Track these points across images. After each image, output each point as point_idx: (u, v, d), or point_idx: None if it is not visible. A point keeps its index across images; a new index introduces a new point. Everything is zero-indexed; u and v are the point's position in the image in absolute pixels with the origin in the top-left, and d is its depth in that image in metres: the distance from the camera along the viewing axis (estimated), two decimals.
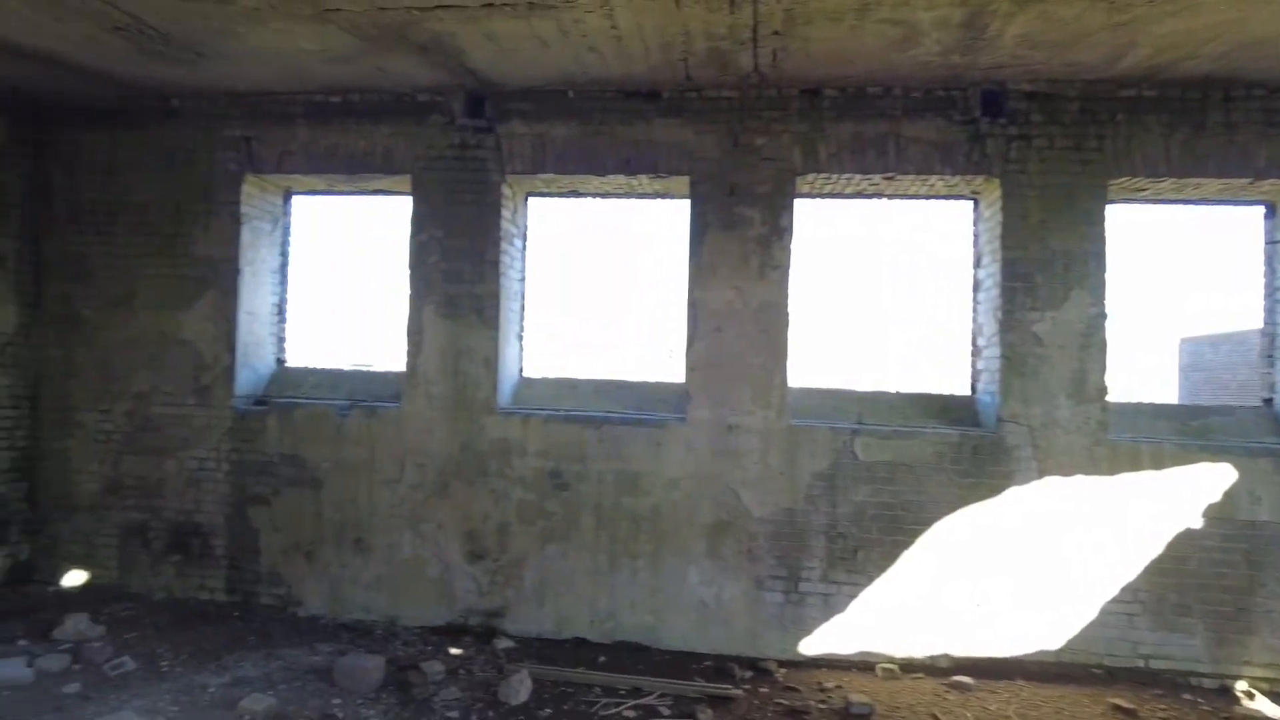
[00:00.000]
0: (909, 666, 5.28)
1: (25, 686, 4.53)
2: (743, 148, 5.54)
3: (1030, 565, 5.21)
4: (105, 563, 6.41)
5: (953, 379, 5.95)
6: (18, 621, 5.54)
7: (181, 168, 6.27)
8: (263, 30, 4.96)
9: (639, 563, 5.58)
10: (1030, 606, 5.21)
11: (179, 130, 6.29)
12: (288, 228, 6.71)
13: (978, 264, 5.76)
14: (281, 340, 6.66)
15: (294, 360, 6.72)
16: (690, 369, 5.58)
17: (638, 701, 4.65)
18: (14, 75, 6.06)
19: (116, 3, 4.68)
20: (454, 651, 5.36)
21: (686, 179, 5.65)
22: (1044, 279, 5.28)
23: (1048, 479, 5.23)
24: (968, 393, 5.80)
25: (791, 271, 5.51)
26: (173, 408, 6.25)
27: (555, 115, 5.77)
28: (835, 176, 5.56)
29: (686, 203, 5.76)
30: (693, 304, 5.57)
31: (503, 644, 5.50)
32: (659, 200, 6.29)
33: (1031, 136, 5.32)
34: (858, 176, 5.54)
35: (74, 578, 6.47)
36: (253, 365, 6.33)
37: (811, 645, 5.39)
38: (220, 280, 6.16)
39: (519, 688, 4.63)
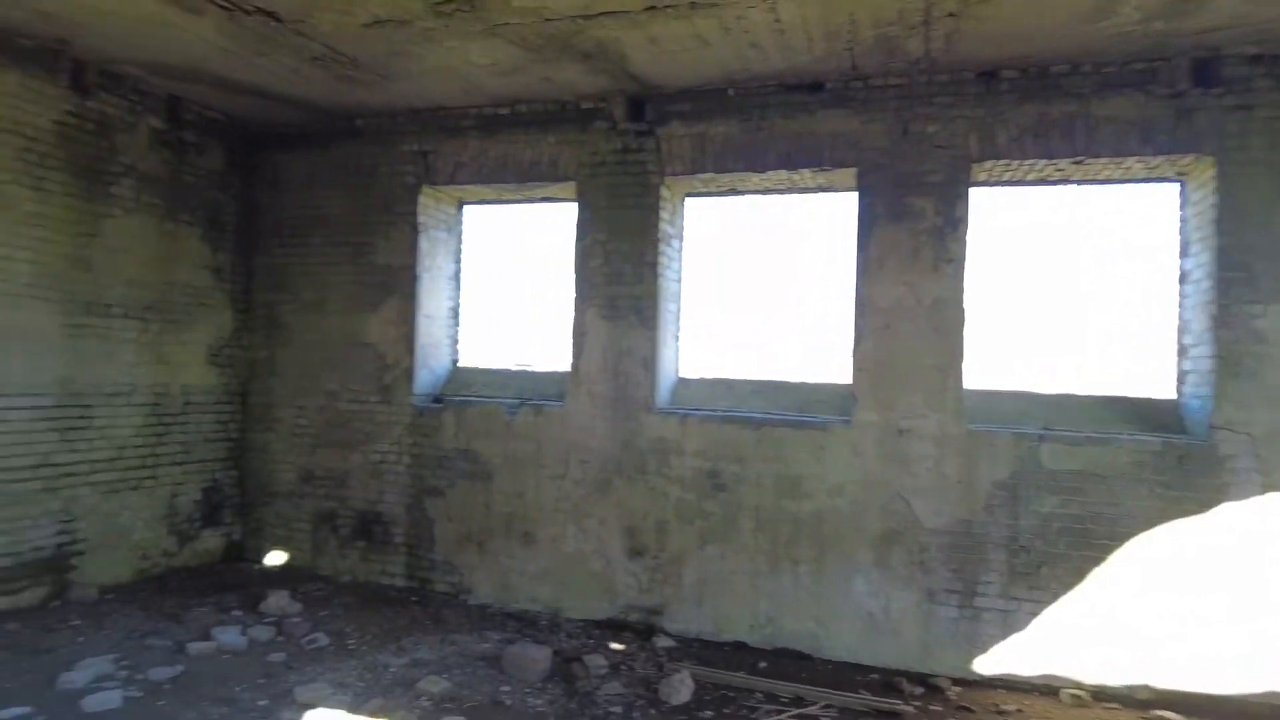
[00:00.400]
0: (1101, 694, 4.81)
1: (241, 653, 5.03)
2: (913, 136, 5.28)
3: (1251, 593, 4.61)
4: (300, 545, 7.03)
5: (1153, 381, 5.36)
6: (233, 594, 6.17)
7: (366, 183, 6.78)
8: (437, 49, 5.26)
9: (801, 568, 5.44)
10: (1254, 640, 4.61)
11: (363, 148, 6.80)
12: (460, 236, 7.08)
13: (1184, 253, 5.17)
14: (455, 342, 7.04)
15: (466, 361, 7.09)
16: (857, 369, 5.38)
17: (800, 711, 4.52)
18: (229, 108, 6.79)
19: (313, 35, 5.12)
20: (615, 646, 5.44)
21: (852, 171, 5.45)
22: (1266, 268, 4.66)
23: (1273, 495, 4.61)
24: (1171, 396, 5.22)
25: (967, 265, 5.18)
26: (358, 405, 6.77)
27: (714, 114, 5.74)
28: (1015, 163, 5.18)
29: (850, 195, 5.56)
30: (860, 301, 5.36)
31: (662, 642, 5.52)
32: (820, 194, 6.11)
33: (1254, 107, 4.71)
34: (1041, 162, 5.13)
35: (275, 558, 7.14)
36: (430, 365, 6.74)
37: (988, 664, 5.04)
38: (401, 286, 6.60)
39: (680, 688, 4.62)
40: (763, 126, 5.63)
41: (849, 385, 5.45)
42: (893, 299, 5.29)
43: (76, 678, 4.44)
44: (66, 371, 5.83)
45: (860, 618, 5.31)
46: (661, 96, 5.87)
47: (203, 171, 6.89)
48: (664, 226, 5.94)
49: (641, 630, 5.74)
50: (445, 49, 5.23)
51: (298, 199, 7.08)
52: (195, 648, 4.99)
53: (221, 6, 4.75)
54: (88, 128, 5.93)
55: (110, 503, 6.19)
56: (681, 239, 6.27)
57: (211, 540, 7.08)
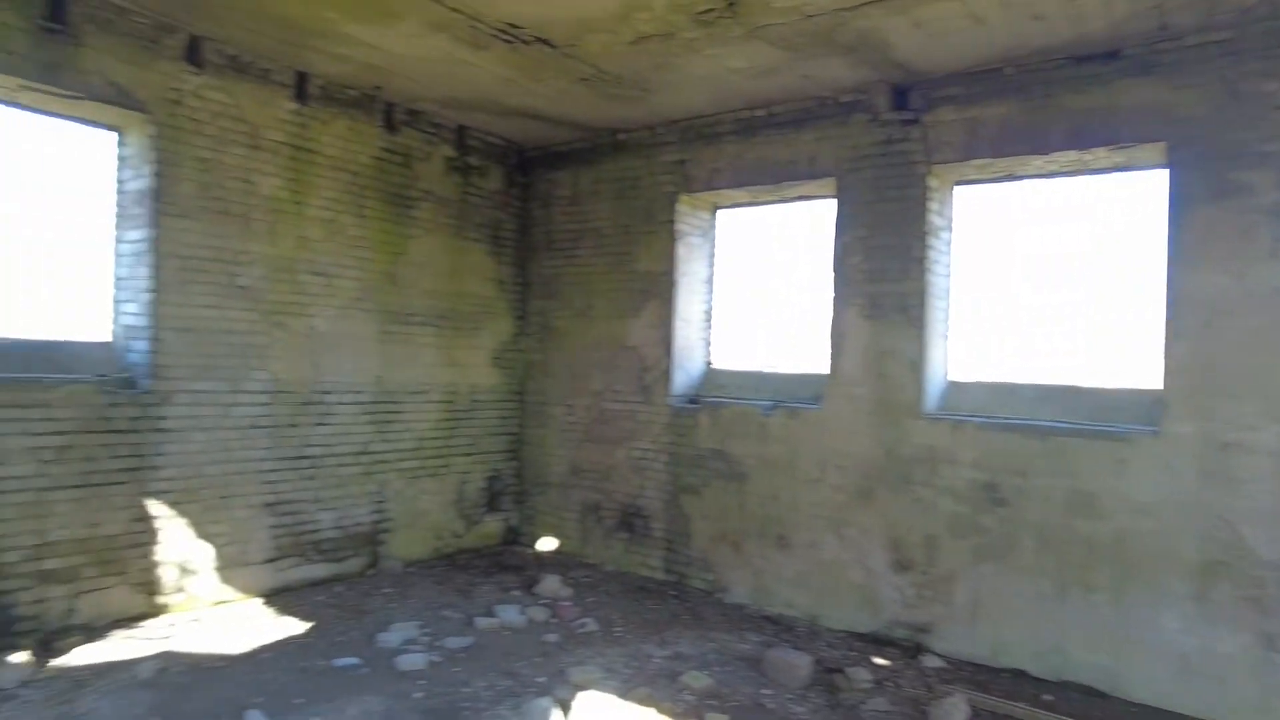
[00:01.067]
0: None
1: (520, 630, 5.48)
2: (1243, 98, 4.49)
3: None
4: (569, 533, 7.53)
5: None
6: (511, 575, 6.75)
7: (628, 194, 7.11)
8: (697, 58, 5.37)
9: (1096, 596, 4.84)
10: None
11: (625, 161, 7.14)
12: (714, 240, 7.19)
13: None
14: (708, 344, 7.17)
15: (719, 363, 7.18)
16: (1168, 373, 4.68)
17: None
18: (506, 132, 7.45)
19: (582, 57, 5.46)
20: (878, 661, 5.21)
21: (1160, 146, 4.76)
22: None
23: None
24: None
25: None
26: (621, 404, 7.11)
27: (989, 95, 5.30)
28: None
29: (1154, 174, 4.86)
30: (1172, 294, 4.66)
31: (930, 662, 5.19)
32: (1115, 174, 5.41)
33: None
34: None
35: (546, 543, 7.72)
36: (685, 367, 6.91)
37: None
38: (660, 291, 6.84)
39: (954, 712, 4.30)
40: (1046, 104, 5.10)
41: (1157, 391, 4.76)
42: (1216, 290, 4.53)
43: (390, 638, 5.10)
44: (380, 372, 6.74)
45: (1170, 658, 4.61)
46: (928, 82, 5.53)
47: (485, 192, 7.63)
48: (931, 218, 5.59)
49: (907, 647, 5.44)
50: (705, 57, 5.33)
51: (567, 213, 7.60)
52: (482, 622, 5.51)
53: (504, 40, 5.21)
54: (395, 160, 6.81)
55: (412, 487, 7.05)
56: (950, 231, 5.86)
57: (492, 525, 7.82)
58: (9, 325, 5.23)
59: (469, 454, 7.56)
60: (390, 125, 6.71)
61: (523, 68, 5.70)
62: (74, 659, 4.60)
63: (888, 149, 5.70)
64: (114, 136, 5.43)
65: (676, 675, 4.75)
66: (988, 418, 5.35)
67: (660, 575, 6.82)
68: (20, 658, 4.43)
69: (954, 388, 5.77)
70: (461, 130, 7.32)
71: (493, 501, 7.81)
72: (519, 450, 7.96)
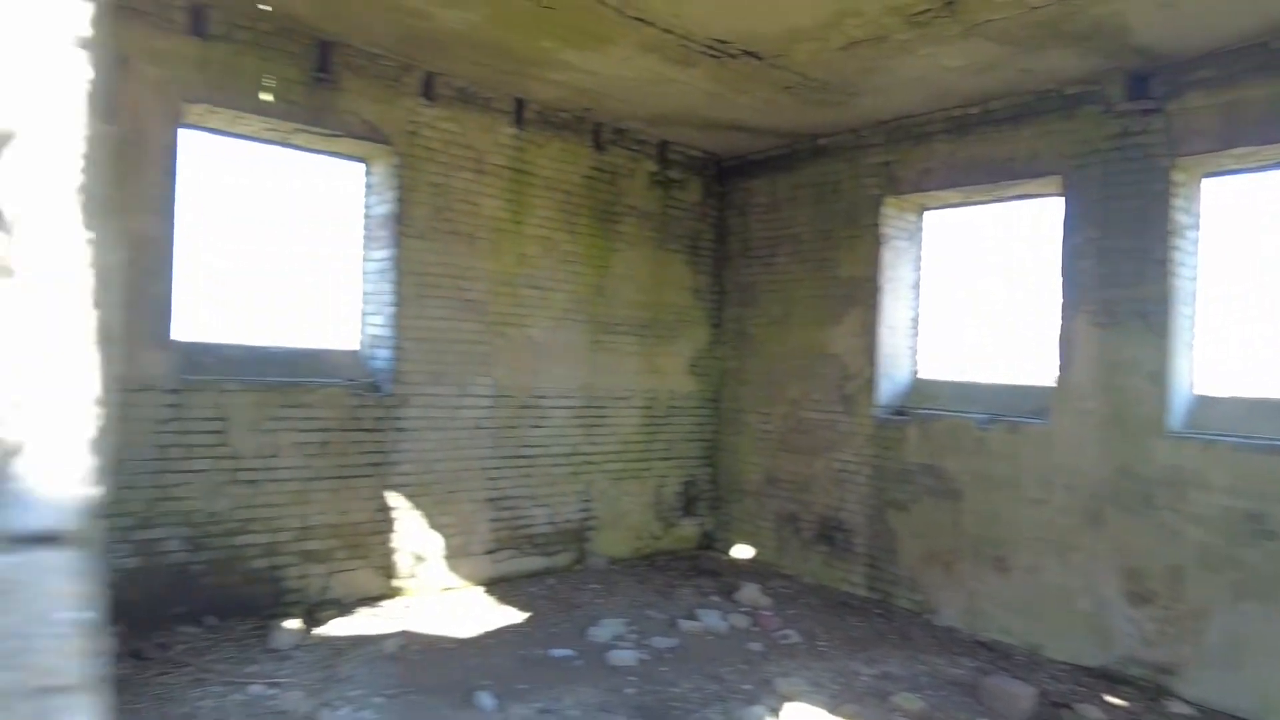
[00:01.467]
0: None
1: (722, 636, 5.56)
2: None
3: None
4: (764, 542, 7.52)
5: None
6: (708, 580, 6.86)
7: (828, 199, 7.00)
8: (910, 59, 5.21)
9: None
10: None
11: (826, 165, 7.04)
12: (920, 244, 6.92)
13: None
14: (914, 352, 6.90)
15: (926, 372, 6.89)
16: None
17: None
18: (706, 144, 7.59)
19: (789, 66, 5.46)
20: (1112, 700, 4.78)
21: None
22: None
23: None
24: None
25: None
26: (820, 413, 7.01)
27: (1249, 75, 4.72)
28: None
29: None
30: None
31: (1177, 708, 4.69)
32: None
33: None
34: None
35: (741, 551, 7.75)
36: (890, 376, 6.70)
37: None
38: (863, 298, 6.68)
39: None
40: None
41: None
42: None
43: (600, 632, 5.35)
44: (589, 379, 7.09)
45: None
46: (1172, 66, 5.01)
47: (684, 204, 7.82)
48: (1176, 216, 5.06)
49: (1145, 688, 4.94)
50: (918, 58, 5.16)
51: (763, 220, 7.62)
52: (685, 625, 5.64)
53: (712, 55, 5.33)
54: (603, 178, 7.14)
55: (615, 488, 7.35)
56: (1197, 229, 5.27)
57: (688, 529, 7.97)
58: (279, 335, 6.06)
59: (666, 458, 7.76)
60: (598, 144, 7.06)
61: (728, 81, 5.79)
62: (331, 630, 5.23)
63: (1123, 142, 5.23)
64: (362, 167, 6.13)
65: (886, 695, 4.62)
66: (1247, 437, 4.75)
67: (862, 591, 6.65)
68: (293, 624, 5.11)
69: (1202, 403, 5.17)
70: (663, 145, 7.55)
71: (688, 506, 7.96)
72: (714, 456, 8.07)
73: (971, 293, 7.07)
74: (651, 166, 7.50)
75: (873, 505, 6.58)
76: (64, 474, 0.51)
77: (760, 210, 7.67)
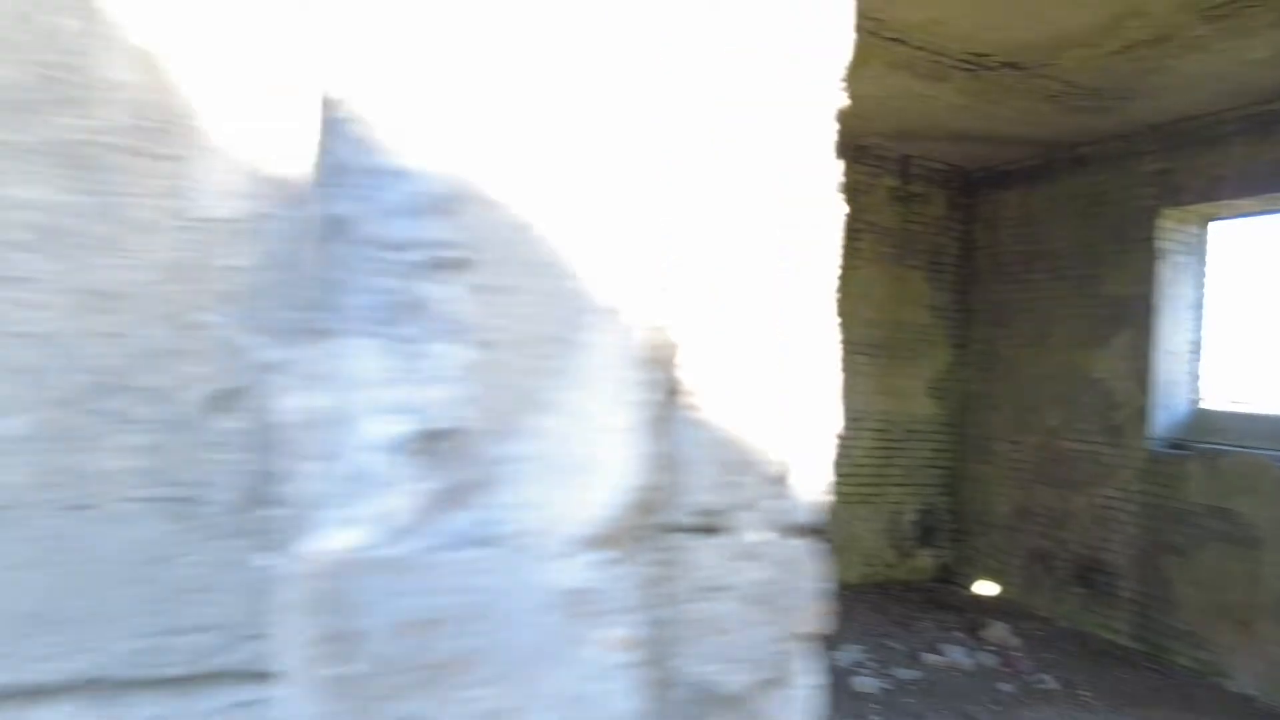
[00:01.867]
0: None
1: (969, 673, 5.30)
2: None
3: None
4: (1011, 579, 7.03)
5: None
6: (949, 614, 6.53)
7: (1092, 211, 6.46)
8: (1199, 56, 4.72)
9: None
10: None
11: (1088, 175, 6.50)
12: (1204, 258, 6.18)
13: None
14: (1195, 379, 6.16)
15: (1212, 403, 6.13)
16: None
17: None
18: (951, 157, 7.30)
19: (1052, 75, 5.15)
20: None
21: None
22: None
23: None
24: None
25: None
26: (1081, 444, 6.45)
27: None
28: None
29: None
30: None
31: None
32: None
33: None
34: None
35: (984, 587, 7.30)
36: (1167, 406, 6.03)
37: None
38: (1133, 318, 6.08)
39: None
40: None
41: None
42: None
43: (840, 657, 5.30)
44: None
45: None
46: None
47: (925, 219, 7.55)
48: None
49: None
50: (1212, 54, 4.65)
51: (1015, 235, 7.17)
52: (928, 658, 5.44)
53: (966, 69, 5.15)
54: (844, 195, 7.08)
55: (846, 512, 7.21)
56: None
57: (924, 559, 7.63)
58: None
59: (902, 484, 7.50)
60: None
61: (980, 93, 5.56)
62: None
63: None
64: None
65: None
66: None
67: (1126, 641, 6.01)
68: None
69: None
70: (905, 160, 7.36)
71: (925, 535, 7.63)
72: (955, 485, 7.67)
73: (1266, 313, 6.20)
74: (892, 181, 7.34)
75: (1141, 548, 5.93)
76: (816, 485, 0.78)
77: (1011, 224, 7.23)
